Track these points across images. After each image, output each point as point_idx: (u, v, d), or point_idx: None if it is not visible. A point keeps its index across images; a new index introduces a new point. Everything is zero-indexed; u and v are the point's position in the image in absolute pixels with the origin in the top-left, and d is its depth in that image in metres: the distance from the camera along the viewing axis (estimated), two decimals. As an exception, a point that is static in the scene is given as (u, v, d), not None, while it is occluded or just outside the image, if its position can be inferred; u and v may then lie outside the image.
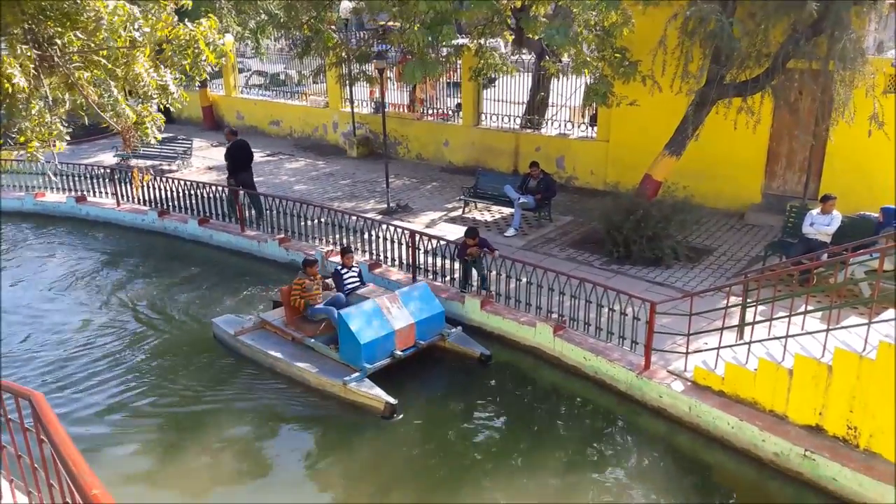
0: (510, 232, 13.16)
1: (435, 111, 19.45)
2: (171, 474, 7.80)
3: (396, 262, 11.70)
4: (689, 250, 11.87)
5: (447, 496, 7.36)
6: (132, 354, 10.09)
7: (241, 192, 13.79)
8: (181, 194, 14.64)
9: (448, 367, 9.68)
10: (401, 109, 19.85)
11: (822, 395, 7.16)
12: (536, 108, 17.59)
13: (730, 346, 8.16)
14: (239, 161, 14.05)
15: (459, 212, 14.74)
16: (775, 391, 7.56)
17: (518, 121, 17.54)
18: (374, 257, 11.99)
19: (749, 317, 8.37)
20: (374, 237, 11.97)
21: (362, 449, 8.13)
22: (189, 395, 9.16)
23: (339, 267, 10.37)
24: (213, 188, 14.25)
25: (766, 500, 7.33)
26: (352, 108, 19.62)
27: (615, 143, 15.34)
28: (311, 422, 8.76)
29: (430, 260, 11.20)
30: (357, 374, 8.68)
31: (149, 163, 18.80)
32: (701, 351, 8.48)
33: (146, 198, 15.23)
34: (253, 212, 13.95)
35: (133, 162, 18.48)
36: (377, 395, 8.43)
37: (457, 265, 10.88)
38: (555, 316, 9.60)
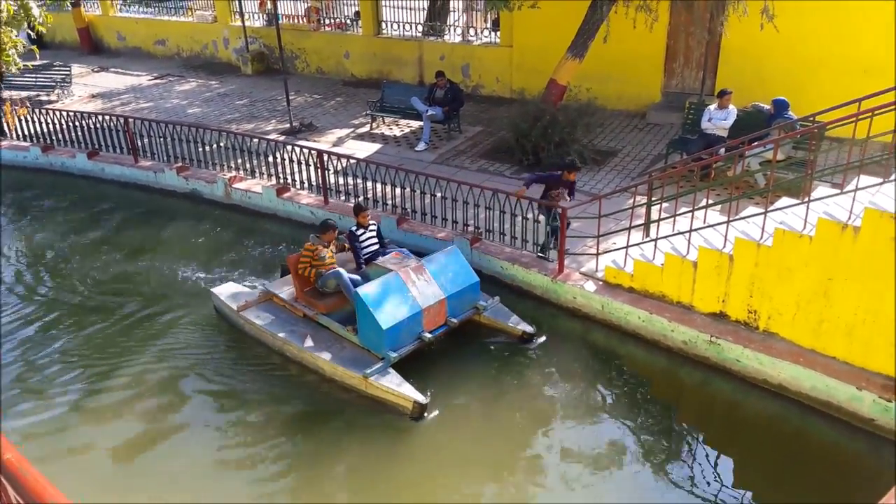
0: (420, 146, 12.99)
1: (332, 21, 18.62)
2: (150, 471, 6.79)
3: (306, 185, 11.39)
4: (595, 153, 12.09)
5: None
6: (66, 325, 9.06)
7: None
8: (66, 126, 13.64)
9: (484, 345, 8.33)
10: (296, 20, 18.87)
11: (725, 283, 7.60)
12: (438, 13, 17.10)
13: (637, 244, 8.49)
14: None
15: (367, 128, 14.40)
16: (681, 283, 7.97)
17: (420, 28, 17.04)
18: (282, 181, 11.63)
19: (654, 214, 8.69)
20: (279, 159, 11.57)
21: (386, 459, 6.84)
22: (179, 377, 7.98)
23: (354, 227, 8.70)
24: (103, 118, 13.31)
25: (677, 385, 7.84)
26: (242, 21, 18.52)
27: (519, 48, 15.18)
28: (325, 420, 7.38)
29: (341, 181, 10.97)
30: (380, 364, 7.41)
31: (24, 94, 17.29)
32: (610, 251, 8.79)
33: (27, 132, 14.09)
34: None
35: (6, 94, 16.95)
36: (404, 393, 7.14)
37: (379, 187, 10.60)
38: (471, 228, 9.68)
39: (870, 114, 6.59)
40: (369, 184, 10.62)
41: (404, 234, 10.07)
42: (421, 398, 7.13)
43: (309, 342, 7.94)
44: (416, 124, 14.07)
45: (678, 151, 11.07)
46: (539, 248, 9.13)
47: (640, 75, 13.91)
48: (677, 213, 8.29)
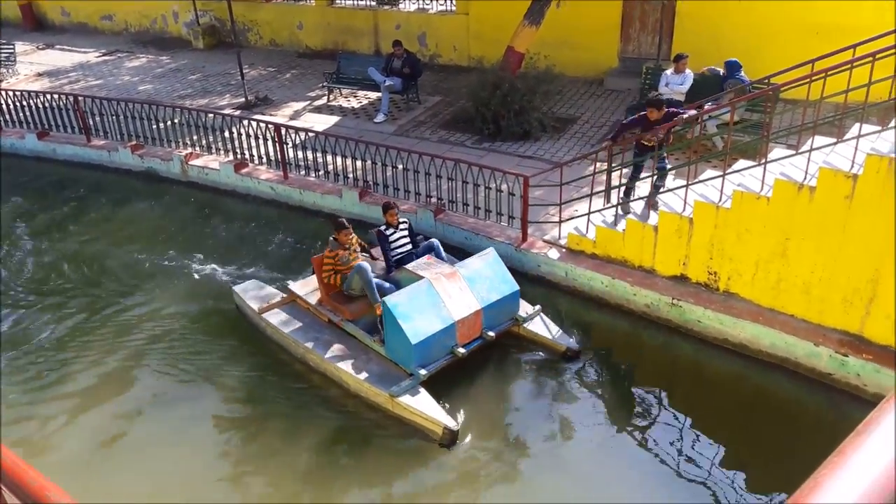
0: (379, 118, 12.85)
1: (284, -8, 18.19)
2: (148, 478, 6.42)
3: (264, 160, 11.19)
4: (555, 121, 12.11)
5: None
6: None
7: None
8: (13, 106, 13.15)
9: (523, 361, 7.62)
10: (246, -8, 18.37)
11: (685, 246, 7.72)
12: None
13: (599, 210, 8.55)
14: None
15: (324, 100, 14.18)
16: (643, 248, 8.07)
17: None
18: (239, 157, 11.41)
19: (615, 181, 8.75)
20: (235, 135, 11.33)
21: (410, 489, 6.25)
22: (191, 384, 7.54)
23: (383, 227, 7.97)
24: (51, 97, 12.86)
25: (640, 348, 7.97)
26: (191, -6, 17.98)
27: (475, 16, 15.03)
28: (347, 442, 6.75)
29: (300, 154, 10.80)
30: (408, 381, 6.80)
31: (-37, 73, 16.61)
32: (573, 218, 8.85)
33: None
34: None
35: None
36: (434, 417, 6.50)
37: (339, 160, 10.42)
38: (434, 200, 9.65)
39: (822, 75, 6.69)
40: (329, 157, 10.48)
41: (367, 207, 10.00)
42: (452, 423, 6.48)
43: (333, 352, 7.33)
44: (374, 95, 13.90)
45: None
46: (623, 193, 8.49)
47: (597, 41, 13.90)
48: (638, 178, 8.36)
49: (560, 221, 8.82)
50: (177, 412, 7.20)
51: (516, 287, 7.52)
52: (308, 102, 14.15)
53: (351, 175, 10.38)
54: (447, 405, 6.79)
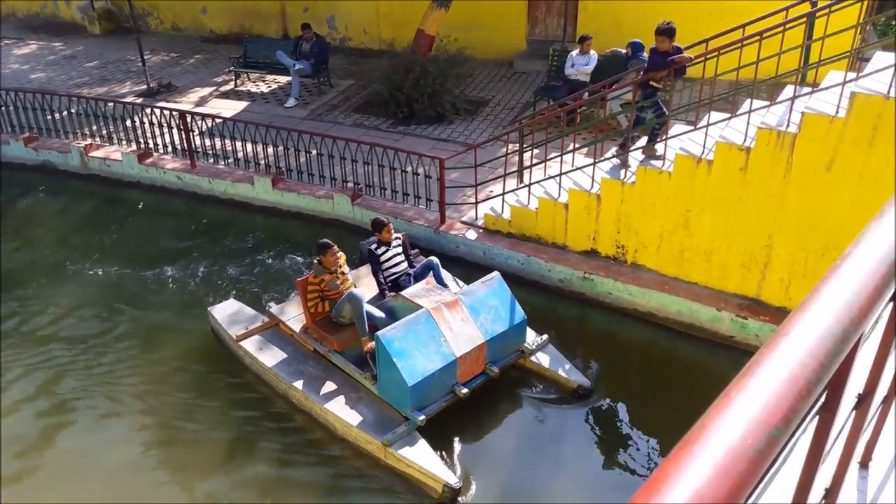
0: (290, 102, 12.63)
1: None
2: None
3: (170, 149, 10.82)
4: (467, 103, 12.22)
5: None
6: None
7: None
8: None
9: (529, 399, 6.95)
10: (143, -25, 17.61)
11: (594, 222, 8.01)
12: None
13: (513, 190, 8.74)
14: None
15: (231, 85, 13.81)
16: (555, 225, 8.32)
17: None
18: (143, 146, 10.99)
19: (526, 161, 8.95)
20: (138, 123, 10.90)
21: None
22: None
23: (374, 245, 7.29)
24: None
25: (556, 321, 8.21)
26: (83, -24, 17.09)
27: (384, -2, 14.95)
28: (329, 496, 6.05)
29: (208, 142, 10.50)
30: (403, 427, 6.07)
31: None
32: (489, 199, 9.00)
33: None
34: None
35: None
36: (432, 472, 5.76)
37: (250, 147, 10.20)
38: (350, 185, 9.60)
39: (716, 53, 7.04)
40: (239, 144, 10.24)
41: (281, 194, 9.86)
42: (452, 479, 5.75)
43: (318, 390, 6.56)
44: (283, 80, 13.65)
45: (545, 98, 11.38)
46: (620, 145, 8.05)
47: (505, 24, 14.09)
48: (548, 158, 8.59)
49: (476, 202, 8.96)
50: (124, 451, 6.46)
51: (523, 316, 6.90)
52: (214, 88, 13.75)
53: (263, 161, 10.19)
54: (445, 453, 6.12)
